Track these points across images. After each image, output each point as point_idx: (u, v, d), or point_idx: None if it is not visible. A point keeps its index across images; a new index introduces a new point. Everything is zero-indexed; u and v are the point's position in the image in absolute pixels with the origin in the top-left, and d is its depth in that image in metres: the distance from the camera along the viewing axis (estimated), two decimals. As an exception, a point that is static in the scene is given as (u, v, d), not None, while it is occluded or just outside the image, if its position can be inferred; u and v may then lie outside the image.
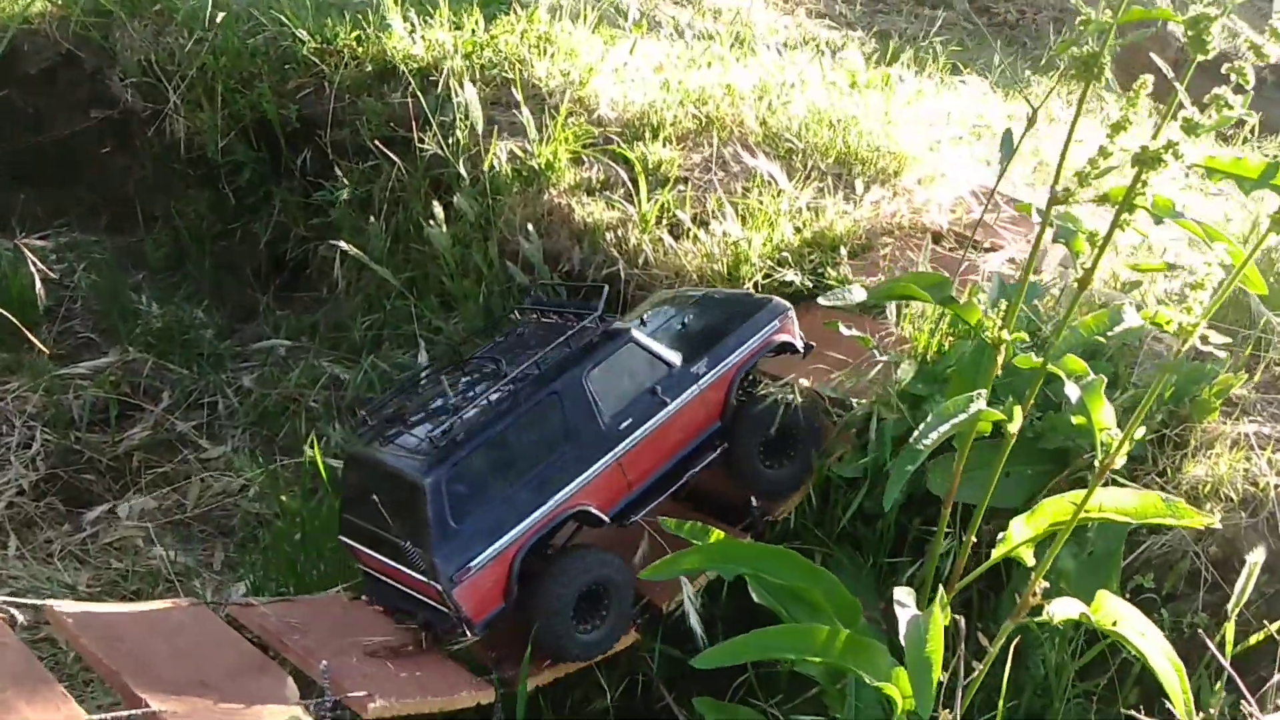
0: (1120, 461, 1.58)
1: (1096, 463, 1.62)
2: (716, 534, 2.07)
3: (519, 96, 3.99)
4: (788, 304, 2.92)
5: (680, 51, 4.72)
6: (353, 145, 4.53)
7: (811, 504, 2.84)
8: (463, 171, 3.89)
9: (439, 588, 2.49)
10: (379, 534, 2.64)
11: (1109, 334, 1.54)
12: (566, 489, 2.60)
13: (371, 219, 4.17)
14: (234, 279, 5.16)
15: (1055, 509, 1.87)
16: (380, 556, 2.67)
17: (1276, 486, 2.31)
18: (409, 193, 4.26)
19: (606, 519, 2.66)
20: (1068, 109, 4.21)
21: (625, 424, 2.68)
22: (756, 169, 3.56)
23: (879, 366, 2.76)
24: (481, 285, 3.85)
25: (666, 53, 4.63)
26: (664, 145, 3.85)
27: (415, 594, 2.63)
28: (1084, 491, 1.79)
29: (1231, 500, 2.34)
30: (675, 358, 2.78)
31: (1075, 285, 1.57)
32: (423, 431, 2.61)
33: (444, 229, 3.80)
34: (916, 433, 1.57)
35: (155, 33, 5.01)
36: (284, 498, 3.47)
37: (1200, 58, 1.38)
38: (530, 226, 3.61)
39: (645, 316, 2.95)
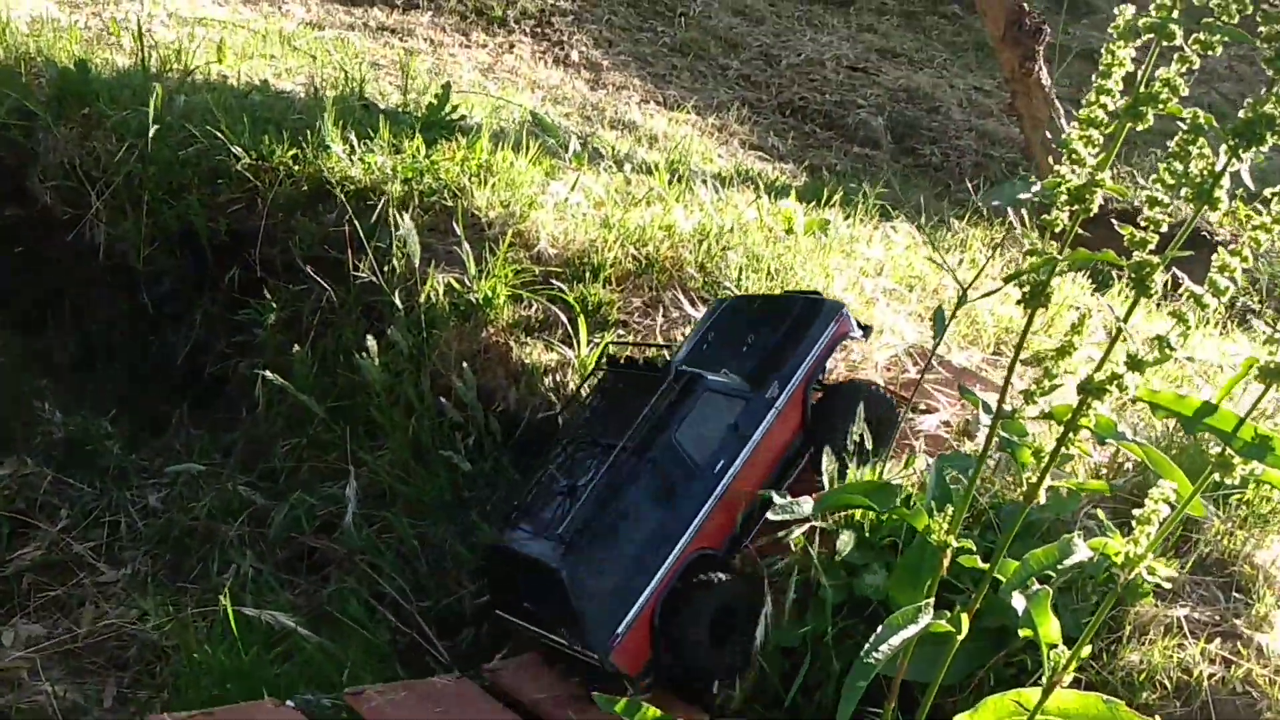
0: (1068, 679, 1.62)
1: (1044, 678, 1.66)
2: (652, 711, 2.04)
3: (458, 227, 4.02)
4: (839, 303, 3.16)
5: (619, 185, 4.84)
6: (283, 264, 4.50)
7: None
8: (398, 302, 3.89)
9: (596, 659, 2.78)
10: (530, 611, 2.96)
11: (1059, 567, 1.59)
12: (682, 540, 2.86)
13: (296, 346, 4.13)
14: (146, 390, 5.02)
15: (998, 707, 1.89)
16: (538, 630, 2.97)
17: (1209, 676, 2.38)
18: (340, 318, 4.23)
19: (720, 553, 2.93)
20: (999, 263, 4.40)
21: (719, 466, 2.92)
22: (695, 317, 3.62)
23: (814, 530, 2.80)
24: (412, 419, 3.82)
25: (607, 186, 4.74)
26: (604, 286, 3.90)
27: (577, 655, 2.89)
28: (1029, 691, 1.82)
29: (1165, 688, 2.40)
30: (747, 389, 2.99)
31: (1020, 498, 1.62)
32: (548, 514, 2.92)
33: (375, 361, 3.78)
34: (867, 646, 1.60)
35: (81, 136, 4.97)
36: (190, 641, 3.34)
37: (1145, 300, 1.46)
38: (465, 364, 3.61)
39: (707, 340, 3.21)
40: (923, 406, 3.38)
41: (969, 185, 6.10)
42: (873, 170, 7.49)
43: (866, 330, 3.22)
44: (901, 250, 4.62)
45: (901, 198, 6.33)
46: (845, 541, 2.78)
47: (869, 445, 3.01)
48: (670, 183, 4.87)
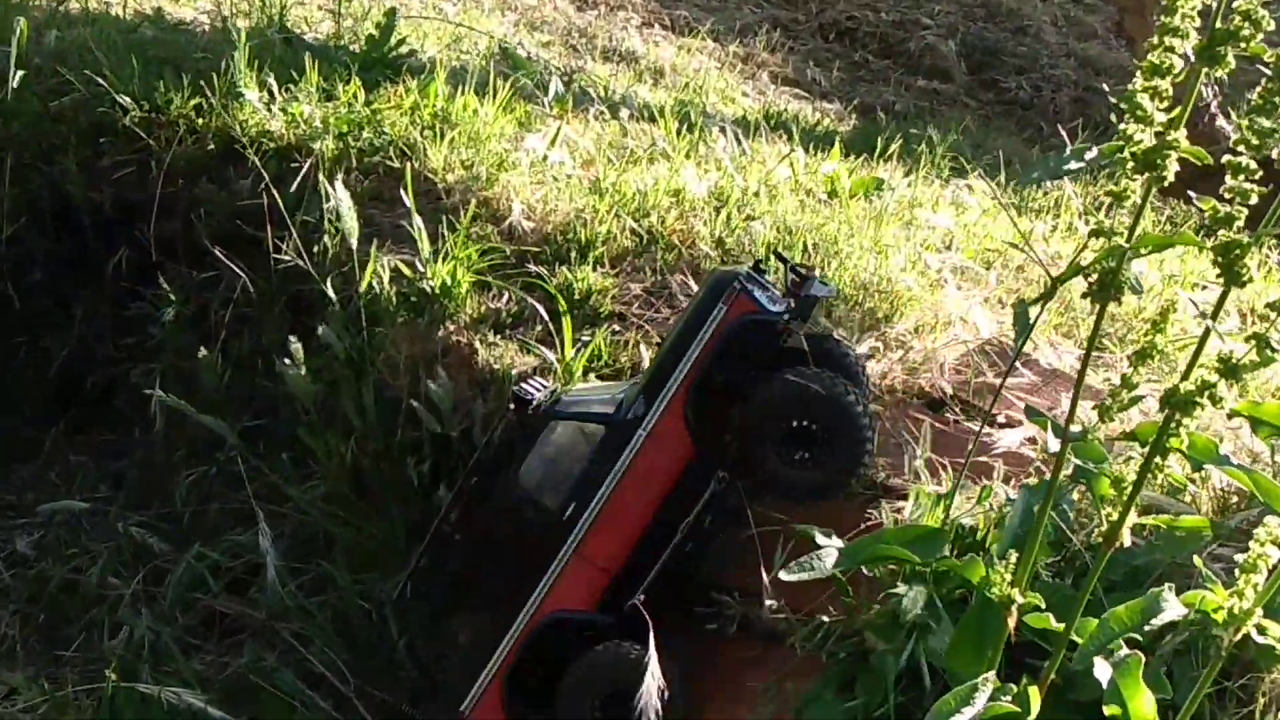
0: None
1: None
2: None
3: (407, 195, 4.09)
4: (730, 273, 3.05)
5: (614, 137, 4.91)
6: (185, 245, 4.58)
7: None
8: (331, 292, 3.95)
9: None
10: None
11: (1146, 627, 1.67)
12: (529, 602, 3.01)
13: (202, 350, 4.20)
14: (11, 408, 5.10)
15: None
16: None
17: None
18: (258, 313, 4.31)
19: (591, 618, 3.03)
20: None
21: (569, 511, 3.01)
22: (712, 308, 3.69)
23: (867, 584, 2.86)
24: (350, 441, 3.89)
25: (598, 139, 4.81)
26: (595, 269, 3.97)
27: None
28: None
29: (1307, 775, 2.46)
30: (608, 410, 3.05)
31: (1100, 541, 1.69)
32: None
33: (302, 366, 3.85)
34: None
35: (-78, 87, 5.06)
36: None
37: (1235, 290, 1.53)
38: (436, 365, 3.68)
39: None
40: (1002, 419, 3.44)
41: (1064, 130, 6.14)
42: (941, 110, 7.54)
43: (800, 303, 3.04)
44: (978, 216, 4.67)
45: (979, 146, 6.39)
46: (911, 599, 2.83)
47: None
48: (679, 133, 4.93)
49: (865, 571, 2.93)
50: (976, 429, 3.22)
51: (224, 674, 3.88)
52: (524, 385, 3.24)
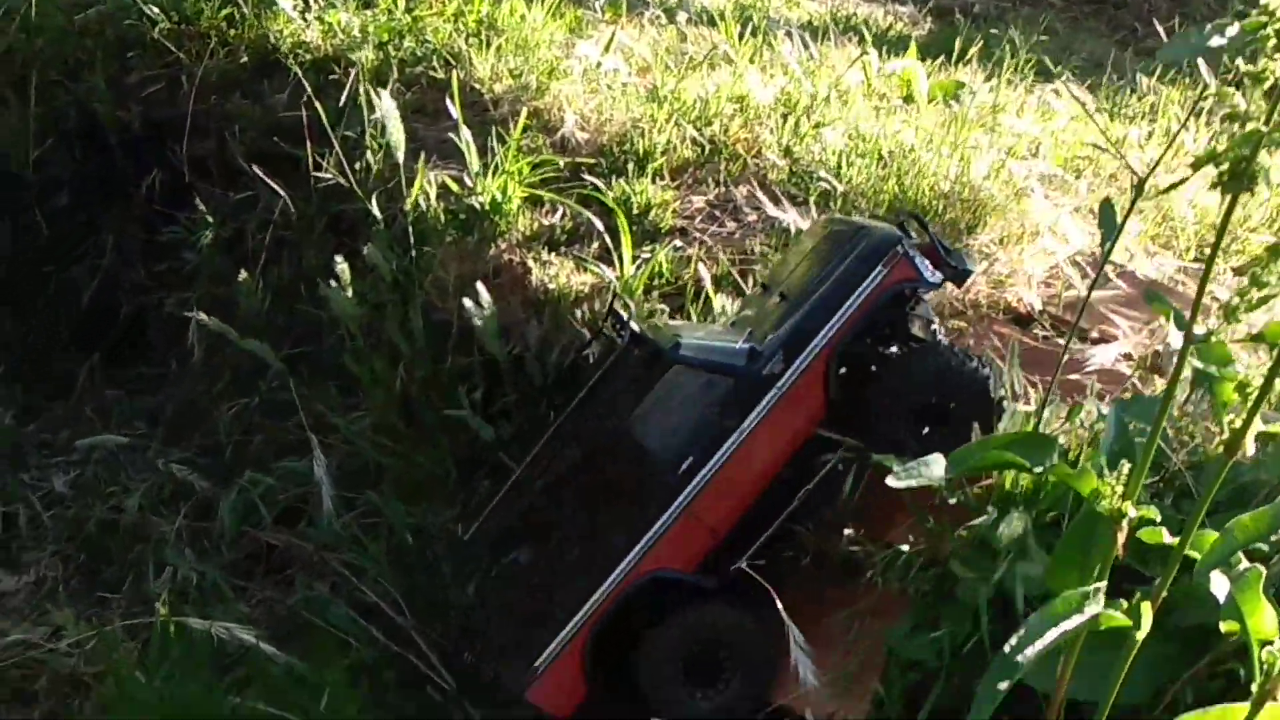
0: (1289, 686, 1.67)
1: (1254, 685, 1.71)
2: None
3: (454, 107, 4.07)
4: (894, 235, 3.00)
5: (671, 42, 4.86)
6: (219, 165, 4.60)
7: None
8: (376, 211, 3.96)
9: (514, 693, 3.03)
10: None
11: (1273, 538, 1.64)
12: (628, 559, 2.94)
13: (242, 273, 4.22)
14: (43, 341, 5.19)
15: (1200, 728, 1.95)
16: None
17: None
18: (298, 235, 4.33)
19: (692, 579, 2.98)
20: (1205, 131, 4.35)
21: (687, 464, 2.93)
22: (780, 221, 3.66)
23: (957, 512, 2.85)
24: (398, 368, 3.91)
25: (654, 45, 4.76)
26: (654, 181, 3.95)
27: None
28: (1239, 707, 1.87)
29: None
30: (739, 360, 2.94)
31: (1220, 451, 1.65)
32: (498, 520, 3.21)
33: (348, 289, 3.86)
34: (1014, 640, 1.65)
35: (-60, 1, 5.09)
36: (119, 667, 3.48)
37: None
38: (479, 285, 3.68)
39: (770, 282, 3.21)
40: (1095, 334, 3.40)
41: (1162, 29, 6.00)
42: (1027, 11, 7.39)
43: (956, 270, 3.05)
44: (1066, 123, 4.60)
45: (1066, 49, 6.27)
46: (1015, 524, 2.80)
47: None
48: (741, 37, 4.88)
49: (948, 498, 2.92)
50: (1068, 344, 3.18)
51: (274, 615, 3.94)
52: (619, 315, 3.14)
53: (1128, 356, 3.31)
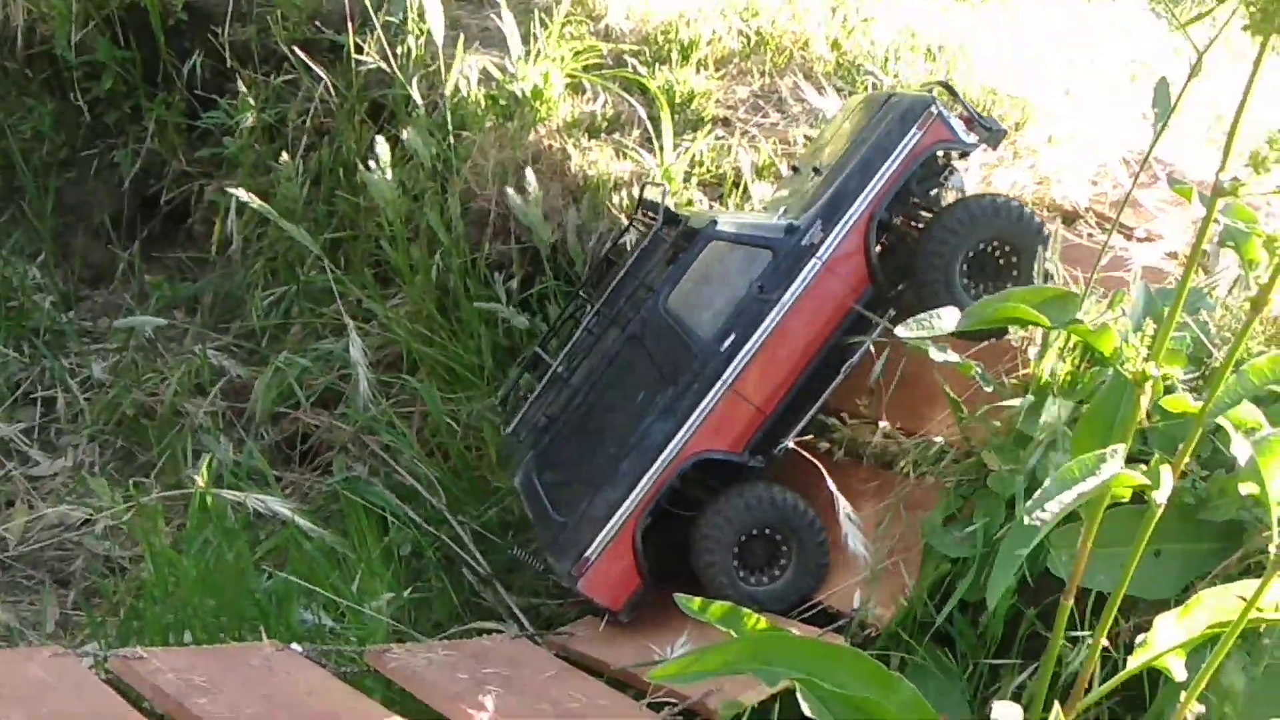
0: (1307, 551, 1.68)
1: (1272, 547, 1.72)
2: (755, 620, 2.14)
3: (497, -9, 4.09)
4: (927, 97, 3.00)
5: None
6: (260, 50, 4.63)
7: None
8: (415, 95, 3.99)
9: (566, 585, 3.05)
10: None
11: (1289, 383, 1.64)
12: (674, 441, 2.96)
13: (283, 155, 4.27)
14: (84, 227, 5.26)
15: (1217, 605, 1.96)
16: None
17: None
18: (339, 121, 4.36)
19: (742, 458, 3.00)
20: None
21: (728, 342, 2.95)
22: (825, 111, 3.66)
23: (991, 402, 2.87)
24: (435, 256, 3.95)
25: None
26: (697, 71, 3.95)
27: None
28: (1257, 582, 1.89)
29: None
30: (777, 233, 2.95)
31: (1248, 307, 1.67)
32: (536, 411, 3.19)
33: (387, 174, 3.90)
34: (1029, 504, 1.66)
35: (-18, -125, 5.11)
36: (154, 539, 3.56)
37: None
38: (527, 169, 3.71)
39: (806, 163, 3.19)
40: (1140, 232, 3.39)
41: (1226, -65, 5.89)
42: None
43: (990, 132, 3.06)
44: (1120, 25, 4.55)
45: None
46: (1052, 409, 2.80)
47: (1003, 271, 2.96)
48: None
49: (982, 384, 2.93)
50: (1108, 240, 3.18)
51: (308, 499, 4.02)
52: (653, 199, 3.18)
53: (1172, 255, 3.31)
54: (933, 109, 2.95)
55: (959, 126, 2.98)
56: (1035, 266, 2.93)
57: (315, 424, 4.10)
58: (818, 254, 2.95)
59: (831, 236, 2.94)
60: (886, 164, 2.95)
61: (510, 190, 3.69)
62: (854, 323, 3.00)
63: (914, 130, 2.95)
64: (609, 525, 2.99)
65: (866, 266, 2.97)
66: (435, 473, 3.75)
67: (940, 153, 3.01)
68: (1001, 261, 2.96)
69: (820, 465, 2.94)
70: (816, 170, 3.10)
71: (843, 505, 2.88)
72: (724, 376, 2.95)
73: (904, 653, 2.84)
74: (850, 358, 3.01)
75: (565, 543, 3.03)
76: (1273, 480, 1.72)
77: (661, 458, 2.97)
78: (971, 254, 2.94)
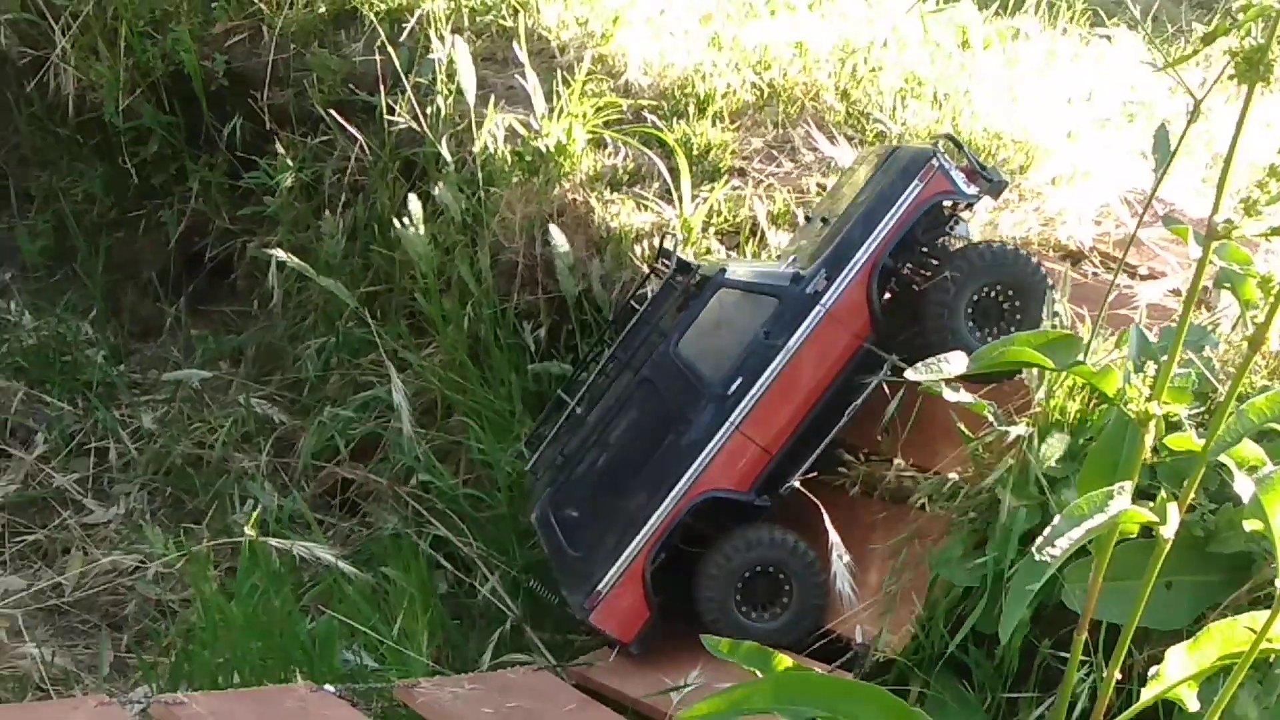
0: (1314, 586, 1.67)
1: (1278, 580, 1.70)
2: (781, 660, 2.13)
3: (521, 53, 4.11)
4: (929, 150, 3.03)
5: (733, -7, 4.85)
6: (298, 112, 4.66)
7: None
8: (446, 153, 4.01)
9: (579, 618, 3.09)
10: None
11: (1289, 418, 1.63)
12: (683, 480, 3.00)
13: (324, 212, 4.30)
14: (133, 284, 5.30)
15: (1227, 636, 1.94)
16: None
17: None
18: (373, 179, 4.38)
19: (748, 497, 3.02)
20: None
21: (736, 385, 2.99)
22: (836, 160, 3.66)
23: (1004, 439, 2.85)
24: (467, 306, 3.96)
25: (716, -5, 4.76)
26: (713, 124, 3.96)
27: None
28: (1267, 614, 1.87)
29: None
30: (784, 281, 3.00)
31: (1245, 345, 1.66)
32: (555, 450, 3.27)
33: (420, 229, 3.92)
34: (1039, 540, 1.65)
35: (37, -43, 5.17)
36: (204, 585, 3.57)
37: None
38: (552, 224, 3.73)
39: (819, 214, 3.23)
40: (1144, 271, 3.38)
41: (1221, -22, 5.90)
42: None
43: (991, 183, 3.08)
44: (1119, 68, 4.55)
45: (1119, 1, 6.17)
46: (1054, 446, 2.80)
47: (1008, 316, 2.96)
48: (802, -14, 4.86)
49: (995, 424, 2.92)
50: (1115, 279, 3.17)
51: (350, 539, 4.03)
52: (670, 248, 3.20)
53: (1175, 292, 3.29)
54: (934, 162, 2.97)
55: (959, 178, 2.99)
56: (1044, 309, 2.92)
57: (356, 472, 4.11)
58: (821, 301, 2.98)
59: (835, 285, 2.98)
60: (889, 215, 2.97)
61: (555, 231, 3.71)
62: (863, 362, 3.01)
63: (916, 183, 2.97)
64: (620, 560, 3.03)
65: (869, 314, 3.00)
66: (466, 519, 3.75)
67: (947, 202, 3.01)
68: (1005, 305, 2.96)
69: (821, 505, 2.96)
70: (825, 220, 3.12)
71: (835, 545, 2.90)
72: (731, 418, 2.99)
73: (921, 687, 2.81)
74: (855, 400, 3.02)
75: (579, 576, 3.09)
76: (1276, 516, 1.70)
77: (671, 495, 3.00)
78: (976, 299, 2.94)
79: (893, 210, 2.97)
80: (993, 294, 2.94)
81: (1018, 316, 2.95)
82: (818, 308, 2.98)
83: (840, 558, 2.89)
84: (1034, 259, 2.98)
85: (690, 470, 2.99)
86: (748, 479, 3.02)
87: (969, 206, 3.12)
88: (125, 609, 4.09)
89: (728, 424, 2.98)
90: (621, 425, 3.11)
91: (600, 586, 3.04)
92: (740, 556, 2.99)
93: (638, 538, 3.02)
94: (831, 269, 2.98)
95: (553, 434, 3.32)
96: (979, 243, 3.02)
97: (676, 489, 3.00)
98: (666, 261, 3.18)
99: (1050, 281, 2.97)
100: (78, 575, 4.18)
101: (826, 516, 2.92)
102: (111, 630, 4.04)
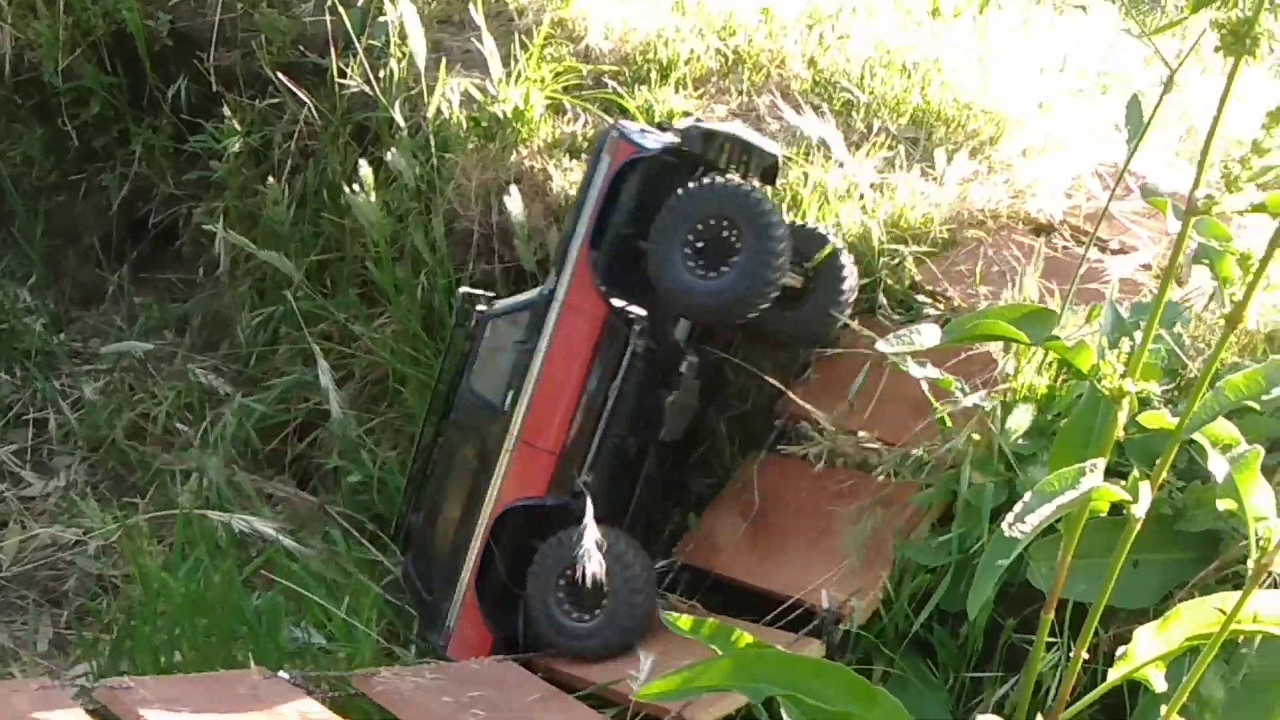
0: (1282, 565, 1.67)
1: (1250, 560, 1.70)
2: (742, 637, 2.13)
3: (478, 15, 4.06)
4: (609, 128, 3.25)
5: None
6: (246, 74, 4.59)
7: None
8: (398, 117, 3.97)
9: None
10: None
11: (1264, 398, 1.62)
12: (486, 502, 3.20)
13: (269, 179, 4.24)
14: (74, 249, 5.22)
15: (1196, 616, 1.94)
16: None
17: None
18: (323, 143, 4.33)
19: (539, 501, 3.20)
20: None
21: (509, 400, 3.19)
22: (802, 130, 3.64)
23: (970, 416, 2.85)
24: (420, 276, 3.93)
25: (680, -42, 4.73)
26: (676, 91, 3.93)
27: None
28: (1235, 594, 1.87)
29: None
30: (532, 294, 3.25)
31: (1223, 323, 1.65)
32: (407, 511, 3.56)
33: (371, 195, 3.88)
34: (1010, 516, 1.64)
35: (-29, -90, 5.08)
36: (143, 560, 3.53)
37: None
38: (513, 187, 3.69)
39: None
40: (1115, 245, 3.38)
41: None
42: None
43: (684, 134, 3.24)
44: (1093, 39, 4.55)
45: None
46: (1020, 419, 2.81)
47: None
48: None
49: (962, 398, 2.91)
50: (1085, 254, 3.17)
51: (296, 519, 4.00)
52: (469, 292, 3.41)
53: (1146, 267, 3.30)
54: (612, 133, 3.19)
55: (643, 139, 3.18)
56: (769, 241, 2.99)
57: (302, 445, 4.07)
58: (555, 297, 3.16)
59: (562, 277, 3.17)
60: (588, 197, 3.18)
61: (514, 194, 3.67)
62: (612, 340, 3.17)
63: (604, 156, 3.17)
64: (456, 594, 3.26)
65: (596, 295, 3.16)
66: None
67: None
68: (727, 235, 3.03)
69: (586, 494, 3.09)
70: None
71: (591, 534, 2.97)
72: (511, 431, 3.17)
73: (885, 665, 2.82)
74: (614, 380, 3.18)
75: (435, 617, 3.32)
76: (1250, 496, 1.70)
77: (480, 520, 3.22)
78: (690, 236, 3.04)
79: (591, 190, 3.18)
80: (713, 224, 3.03)
81: (737, 246, 3.02)
82: (554, 304, 3.16)
83: (596, 548, 2.97)
84: (755, 192, 3.06)
85: (490, 491, 3.18)
86: (542, 484, 3.17)
87: (768, 171, 3.31)
88: (65, 584, 4.07)
89: (510, 437, 3.17)
90: (450, 469, 3.34)
91: (449, 623, 3.27)
92: (553, 555, 3.09)
93: (464, 570, 3.24)
94: (559, 265, 3.19)
95: (403, 498, 3.55)
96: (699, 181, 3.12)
97: (484, 513, 3.19)
98: (470, 302, 3.40)
99: (777, 216, 3.02)
100: (16, 549, 4.15)
101: (590, 505, 3.01)
102: (51, 606, 4.01)
